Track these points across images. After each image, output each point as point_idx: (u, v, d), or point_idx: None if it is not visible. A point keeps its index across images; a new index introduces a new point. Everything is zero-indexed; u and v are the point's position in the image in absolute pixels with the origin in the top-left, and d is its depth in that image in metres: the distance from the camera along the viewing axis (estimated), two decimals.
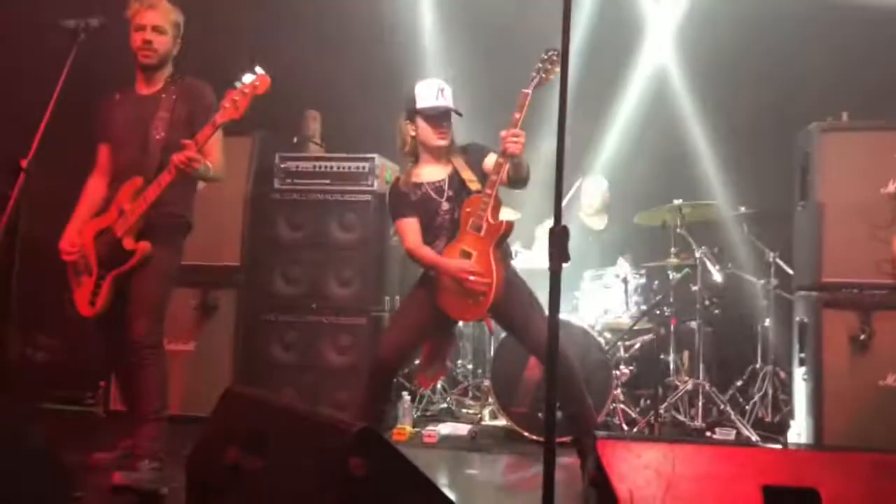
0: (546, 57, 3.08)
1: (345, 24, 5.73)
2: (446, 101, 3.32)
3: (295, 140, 5.06)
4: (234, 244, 4.45)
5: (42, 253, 3.52)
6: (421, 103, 3.30)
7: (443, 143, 3.33)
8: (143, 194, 3.04)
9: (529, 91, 3.08)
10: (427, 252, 3.30)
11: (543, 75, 3.07)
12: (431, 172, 3.39)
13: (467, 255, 3.19)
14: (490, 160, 3.25)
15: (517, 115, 3.05)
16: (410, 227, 3.33)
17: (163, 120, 3.13)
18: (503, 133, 3.05)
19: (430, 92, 3.31)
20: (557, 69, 2.98)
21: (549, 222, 2.16)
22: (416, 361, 5.06)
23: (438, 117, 3.31)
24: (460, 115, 3.38)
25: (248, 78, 2.93)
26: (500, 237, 3.18)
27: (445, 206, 3.32)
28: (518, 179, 3.21)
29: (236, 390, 2.57)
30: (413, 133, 3.36)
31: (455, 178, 3.33)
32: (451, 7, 6.02)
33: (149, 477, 3.04)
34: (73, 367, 4.72)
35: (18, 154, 2.72)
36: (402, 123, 3.38)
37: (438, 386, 5.06)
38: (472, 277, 3.13)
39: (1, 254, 2.55)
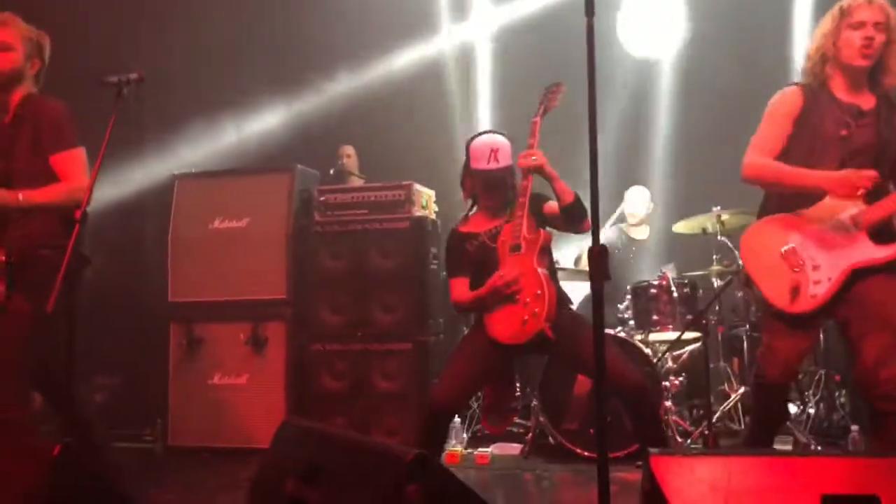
0: (549, 88, 3.27)
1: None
2: (498, 163, 3.25)
3: (332, 172, 5.16)
4: (280, 278, 4.54)
5: (98, 295, 3.62)
6: (474, 164, 3.30)
7: (490, 206, 3.36)
8: None
9: (538, 119, 3.22)
10: (467, 297, 3.27)
11: (547, 103, 3.24)
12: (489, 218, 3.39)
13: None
14: (551, 205, 3.21)
15: (531, 141, 3.18)
16: (458, 285, 3.32)
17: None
18: (519, 155, 3.15)
19: (483, 153, 3.26)
20: (560, 96, 3.23)
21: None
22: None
23: (488, 183, 3.31)
24: (514, 173, 3.32)
25: None
26: (541, 247, 3.13)
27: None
28: (570, 213, 3.11)
29: (292, 422, 2.63)
30: (472, 189, 3.40)
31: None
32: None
33: None
34: (131, 404, 4.86)
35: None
36: (462, 173, 3.42)
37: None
38: (508, 285, 3.08)
39: (61, 303, 2.63)
